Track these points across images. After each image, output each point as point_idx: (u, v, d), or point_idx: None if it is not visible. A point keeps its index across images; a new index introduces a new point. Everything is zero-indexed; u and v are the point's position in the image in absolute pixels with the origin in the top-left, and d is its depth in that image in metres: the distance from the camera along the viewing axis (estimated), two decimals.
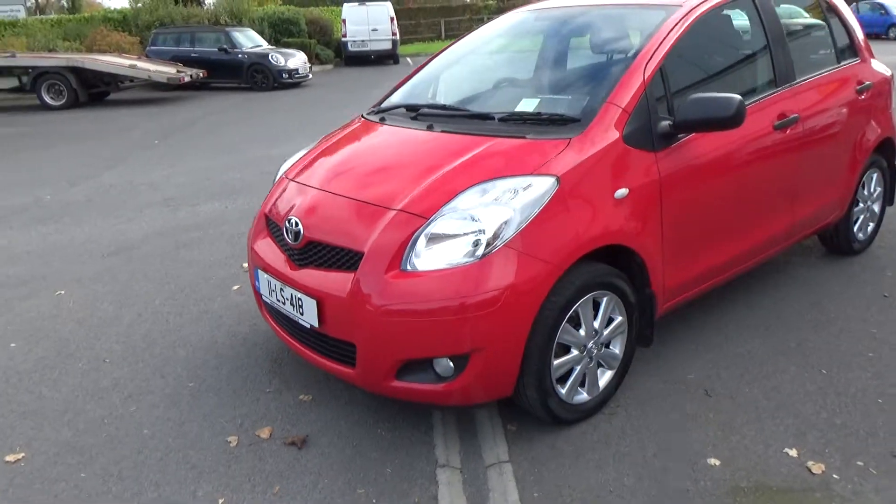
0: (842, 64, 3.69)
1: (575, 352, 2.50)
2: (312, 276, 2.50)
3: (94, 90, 14.21)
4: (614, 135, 2.52)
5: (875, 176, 4.01)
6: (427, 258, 2.27)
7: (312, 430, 2.66)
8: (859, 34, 3.90)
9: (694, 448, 2.44)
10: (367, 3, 22.22)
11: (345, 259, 2.42)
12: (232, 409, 2.82)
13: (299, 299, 2.52)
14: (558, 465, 2.39)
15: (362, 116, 3.32)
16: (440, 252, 2.27)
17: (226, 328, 3.54)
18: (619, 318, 2.63)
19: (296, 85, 16.52)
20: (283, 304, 2.63)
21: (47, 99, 13.67)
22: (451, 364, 2.29)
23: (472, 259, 2.24)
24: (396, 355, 2.31)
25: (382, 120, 3.14)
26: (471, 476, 2.36)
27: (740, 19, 3.26)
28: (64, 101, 13.67)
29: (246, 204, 5.98)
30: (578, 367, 2.53)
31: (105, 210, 6.01)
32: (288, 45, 19.65)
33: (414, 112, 3.04)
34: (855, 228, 4.02)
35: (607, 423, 2.61)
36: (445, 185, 2.43)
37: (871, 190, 4.04)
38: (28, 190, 6.82)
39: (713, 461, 2.37)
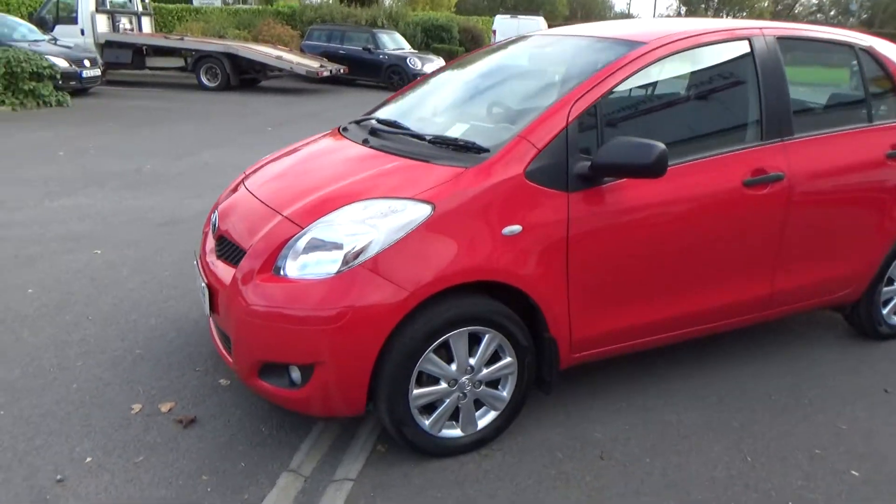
0: (875, 123, 3.24)
1: (443, 384, 2.44)
2: (215, 266, 2.65)
3: (245, 76, 15.55)
4: (515, 170, 2.42)
5: None
6: (293, 266, 2.33)
7: (207, 413, 2.80)
8: None
9: None
10: (519, 17, 22.41)
11: (235, 255, 2.54)
12: (156, 380, 3.04)
13: (203, 286, 2.68)
14: (397, 495, 2.34)
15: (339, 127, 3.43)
16: (304, 262, 2.32)
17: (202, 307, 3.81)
18: (507, 359, 2.52)
19: None
20: (201, 289, 2.81)
21: (204, 80, 15.17)
22: (299, 372, 2.34)
23: (328, 274, 2.27)
24: (257, 355, 2.39)
25: (344, 130, 3.23)
26: (311, 486, 2.39)
27: (724, 62, 2.97)
28: (217, 83, 15.10)
29: None
30: (448, 401, 2.47)
31: (185, 184, 6.61)
32: (437, 51, 20.31)
33: (368, 126, 3.09)
34: (885, 311, 3.51)
35: (475, 464, 2.51)
36: (336, 198, 2.47)
37: None
38: (138, 159, 7.64)
39: None
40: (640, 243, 2.64)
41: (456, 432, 2.54)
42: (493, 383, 2.56)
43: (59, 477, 2.39)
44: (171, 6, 21.22)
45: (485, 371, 2.50)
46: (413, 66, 16.71)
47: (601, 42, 2.96)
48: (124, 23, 16.22)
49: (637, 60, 2.67)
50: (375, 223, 2.31)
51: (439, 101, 3.32)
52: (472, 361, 2.45)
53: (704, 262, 2.82)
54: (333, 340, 2.24)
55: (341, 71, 16.16)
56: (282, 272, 2.34)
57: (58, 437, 2.61)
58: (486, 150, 2.51)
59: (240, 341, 2.43)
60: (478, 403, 2.57)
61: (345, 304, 2.23)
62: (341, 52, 17.60)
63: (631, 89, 2.74)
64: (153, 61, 15.97)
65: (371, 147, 2.82)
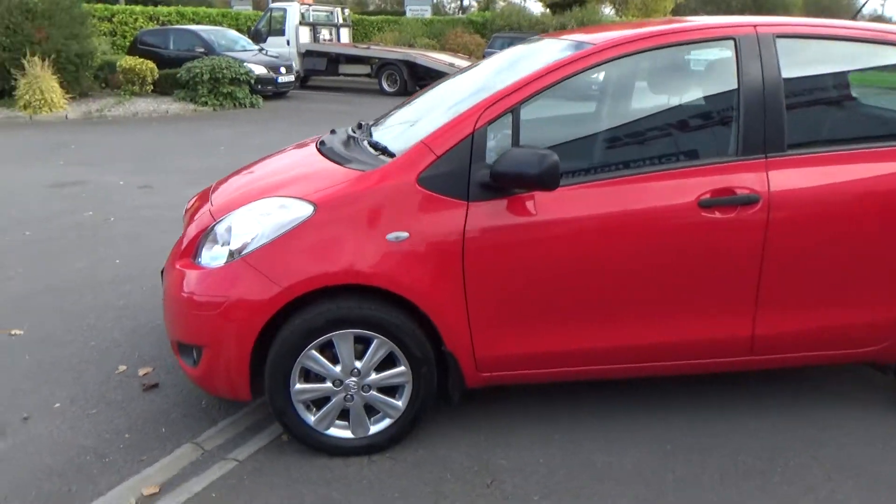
0: None
1: (328, 383, 2.47)
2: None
3: (422, 82, 16.38)
4: (409, 176, 2.37)
5: None
6: (206, 255, 2.52)
7: (170, 382, 3.11)
8: None
9: None
10: None
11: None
12: (154, 347, 3.43)
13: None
14: (266, 482, 2.42)
15: None
16: (209, 252, 2.50)
17: None
18: (401, 368, 2.48)
19: None
20: None
21: (385, 85, 16.28)
22: (195, 353, 2.52)
23: (218, 264, 2.43)
24: (173, 334, 2.63)
25: (333, 132, 3.36)
26: (202, 459, 2.55)
27: (695, 65, 2.59)
28: (396, 88, 16.12)
29: None
30: (334, 400, 2.49)
31: None
32: None
33: (348, 133, 3.16)
34: None
35: (358, 468, 2.50)
36: (249, 195, 2.62)
37: None
38: (233, 157, 8.14)
39: None
40: (557, 263, 2.44)
41: (346, 434, 2.55)
42: (389, 391, 2.53)
43: (25, 415, 2.83)
44: (372, 17, 22.98)
45: (374, 376, 2.48)
46: None
47: (560, 44, 2.76)
48: (324, 34, 17.94)
49: (571, 65, 2.46)
50: (262, 220, 2.42)
51: (423, 110, 3.30)
52: (359, 365, 2.46)
53: (647, 290, 2.51)
54: (214, 326, 2.39)
55: None
56: (196, 260, 2.54)
57: (50, 383, 3.07)
58: (393, 155, 2.50)
59: (164, 319, 2.69)
60: (374, 409, 2.56)
61: (224, 294, 2.37)
62: None
63: (568, 94, 2.54)
64: (345, 68, 17.47)
65: (319, 151, 2.92)
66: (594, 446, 2.64)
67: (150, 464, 2.53)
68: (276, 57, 15.31)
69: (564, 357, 2.56)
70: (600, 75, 2.78)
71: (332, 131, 3.34)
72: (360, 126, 3.16)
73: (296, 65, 16.05)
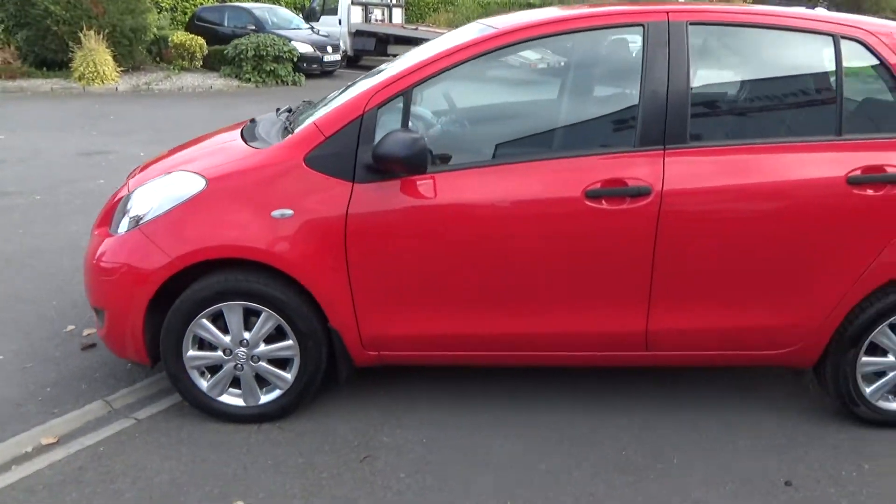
0: (846, 136, 2.47)
1: (219, 352, 2.57)
2: None
3: None
4: (298, 155, 2.43)
5: None
6: (121, 225, 2.65)
7: None
8: None
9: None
10: None
11: None
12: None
13: None
14: (151, 441, 2.56)
15: None
16: (118, 221, 2.63)
17: None
18: (288, 341, 2.56)
19: None
20: None
21: None
22: (99, 316, 2.67)
23: (120, 233, 2.55)
24: (87, 296, 2.78)
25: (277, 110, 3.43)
26: (107, 416, 2.71)
27: (599, 52, 2.52)
28: None
29: None
30: (225, 368, 2.60)
31: None
32: None
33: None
34: (869, 389, 2.68)
35: (245, 435, 2.61)
36: (162, 170, 2.73)
37: None
38: None
39: None
40: (442, 247, 2.45)
41: (238, 402, 2.66)
42: (279, 363, 2.62)
43: None
44: None
45: (263, 348, 2.57)
46: None
47: (473, 28, 2.74)
48: (376, 14, 18.06)
49: (464, 51, 2.45)
50: (159, 193, 2.53)
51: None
52: (248, 336, 2.55)
53: (533, 279, 2.49)
54: (112, 292, 2.53)
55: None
56: (112, 229, 2.68)
57: (1, 337, 3.31)
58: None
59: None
60: (266, 380, 2.65)
61: (120, 262, 2.50)
62: None
63: (468, 78, 2.52)
64: (394, 49, 17.50)
65: (242, 134, 2.99)
66: (480, 432, 2.66)
67: (60, 416, 2.70)
68: (326, 36, 15.53)
69: (452, 341, 2.58)
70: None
71: (277, 110, 3.42)
72: (290, 109, 3.22)
73: (345, 44, 16.24)
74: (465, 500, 2.30)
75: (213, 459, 2.47)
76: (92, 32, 11.67)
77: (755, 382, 3.04)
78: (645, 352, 2.62)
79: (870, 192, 2.43)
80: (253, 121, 3.10)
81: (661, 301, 2.52)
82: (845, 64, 2.51)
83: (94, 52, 11.73)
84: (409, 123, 2.44)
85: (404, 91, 2.43)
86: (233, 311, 2.52)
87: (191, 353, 2.57)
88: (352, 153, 2.42)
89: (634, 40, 2.51)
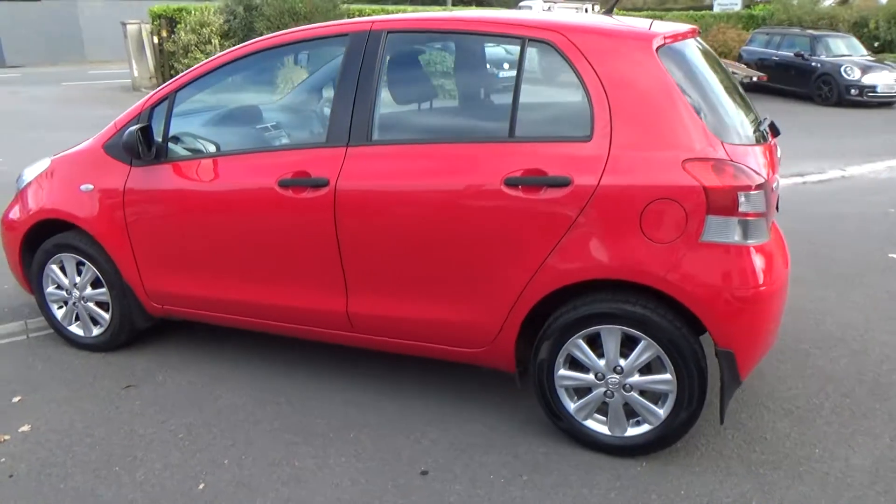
0: (517, 138, 2.45)
1: (62, 291, 3.40)
2: None
3: None
4: (99, 144, 3.14)
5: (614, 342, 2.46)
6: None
7: None
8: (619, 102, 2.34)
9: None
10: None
11: None
12: None
13: None
14: (24, 349, 3.46)
15: None
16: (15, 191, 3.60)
17: None
18: (103, 288, 3.29)
19: (870, 104, 13.89)
20: None
21: None
22: None
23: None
24: None
25: None
26: (22, 328, 3.69)
27: (316, 61, 2.79)
28: None
29: None
30: (70, 308, 3.40)
31: None
32: None
33: None
34: (573, 406, 2.58)
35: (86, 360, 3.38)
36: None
37: (611, 363, 2.47)
38: None
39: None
40: (181, 221, 2.98)
41: (84, 332, 3.44)
42: (105, 306, 3.36)
43: None
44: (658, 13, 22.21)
45: (87, 292, 3.33)
46: (848, 75, 13.88)
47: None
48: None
49: (219, 59, 2.95)
50: (34, 169, 3.43)
51: None
52: (78, 280, 3.34)
53: (250, 254, 2.89)
54: (4, 237, 3.49)
55: (753, 79, 14.69)
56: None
57: None
58: None
59: None
60: (94, 321, 3.40)
61: (7, 214, 3.45)
62: (775, 58, 15.82)
63: (217, 83, 3.00)
64: None
65: None
66: (220, 385, 3.11)
67: None
68: None
69: (206, 303, 3.07)
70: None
71: None
72: None
73: None
74: (178, 421, 2.80)
75: (40, 369, 3.29)
76: None
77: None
78: (352, 332, 2.85)
79: (528, 194, 2.40)
80: None
81: (355, 285, 2.75)
82: (532, 67, 2.50)
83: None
84: (172, 121, 3.01)
85: (169, 94, 3.02)
86: (67, 262, 3.32)
87: (49, 289, 3.43)
88: None
89: (340, 49, 2.77)
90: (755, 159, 2.45)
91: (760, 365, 3.24)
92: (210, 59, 3.00)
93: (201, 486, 2.43)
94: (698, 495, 2.38)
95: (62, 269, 3.37)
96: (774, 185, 2.50)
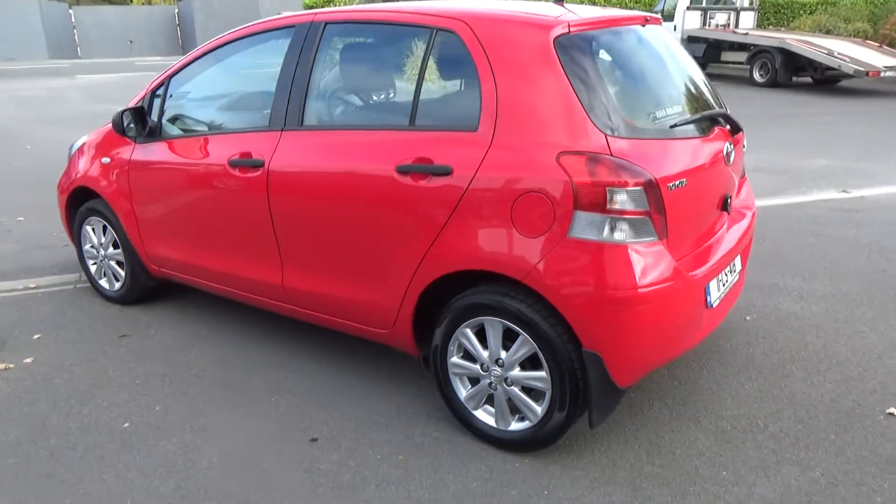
0: (417, 126, 2.49)
1: (94, 251, 3.94)
2: None
3: (802, 74, 14.35)
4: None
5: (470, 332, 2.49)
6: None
7: None
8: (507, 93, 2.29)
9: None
10: None
11: None
12: None
13: None
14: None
15: None
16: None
17: None
18: (119, 249, 3.78)
19: None
20: None
21: (756, 75, 14.84)
22: None
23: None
24: None
25: None
26: (48, 284, 4.33)
27: (269, 50, 2.97)
28: (766, 79, 14.54)
29: None
30: (99, 265, 3.95)
31: None
32: None
33: None
34: (463, 394, 2.60)
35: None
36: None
37: (492, 355, 2.47)
38: None
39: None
40: (165, 193, 3.35)
41: (107, 287, 3.97)
42: (120, 264, 3.85)
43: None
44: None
45: (109, 251, 3.84)
46: None
47: None
48: (718, 18, 17.04)
49: (204, 48, 3.26)
50: (78, 142, 3.99)
51: None
52: (102, 241, 3.86)
53: (209, 227, 3.19)
54: (60, 195, 4.09)
55: None
56: None
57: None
58: None
59: None
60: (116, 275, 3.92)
61: (60, 181, 4.05)
62: None
63: (201, 66, 3.32)
64: (726, 55, 16.37)
65: None
66: (195, 348, 3.45)
67: (30, 277, 4.41)
68: None
69: (198, 271, 3.39)
70: None
71: None
72: None
73: None
74: (145, 369, 3.19)
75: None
76: None
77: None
78: (288, 304, 3.06)
79: (416, 182, 2.45)
80: None
81: (287, 260, 2.95)
82: (438, 55, 2.53)
83: None
84: (165, 104, 3.38)
85: (165, 80, 3.39)
86: (96, 225, 3.85)
87: (86, 247, 4.00)
88: None
89: (286, 41, 2.95)
90: (666, 154, 2.31)
91: (716, 379, 3.02)
92: (193, 49, 3.33)
93: (126, 425, 2.77)
94: (560, 498, 2.31)
95: (93, 230, 3.91)
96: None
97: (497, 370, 2.47)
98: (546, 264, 2.23)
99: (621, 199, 2.16)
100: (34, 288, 4.22)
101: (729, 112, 2.82)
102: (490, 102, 2.34)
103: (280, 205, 2.86)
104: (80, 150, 3.89)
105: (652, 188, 2.19)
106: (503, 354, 2.44)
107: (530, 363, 2.41)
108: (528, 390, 2.46)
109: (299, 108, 2.82)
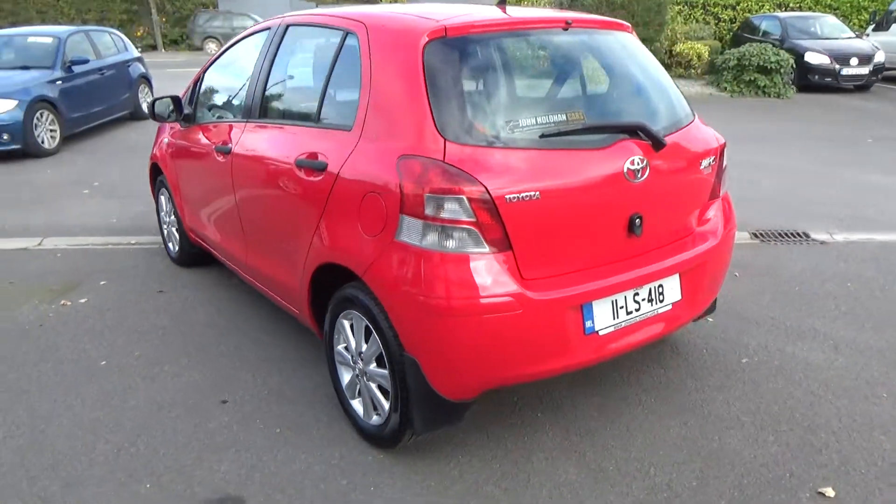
0: (321, 124, 2.65)
1: (164, 216, 4.63)
2: None
3: None
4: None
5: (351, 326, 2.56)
6: None
7: None
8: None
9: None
10: None
11: None
12: None
13: None
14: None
15: None
16: None
17: None
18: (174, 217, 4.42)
19: None
20: None
21: None
22: None
23: None
24: None
25: None
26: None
27: (253, 50, 3.26)
28: None
29: None
30: (166, 229, 4.63)
31: None
32: None
33: None
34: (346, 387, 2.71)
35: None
36: None
37: (357, 347, 2.55)
38: None
39: None
40: (189, 171, 3.86)
41: (171, 248, 4.65)
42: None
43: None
44: None
45: (170, 218, 4.50)
46: None
47: None
48: None
49: (236, 41, 3.70)
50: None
51: None
52: (165, 209, 4.52)
53: (211, 205, 3.62)
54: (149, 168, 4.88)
55: None
56: None
57: None
58: None
59: None
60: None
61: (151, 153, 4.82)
62: None
63: (222, 64, 3.74)
64: None
65: None
66: (226, 321, 3.92)
67: (138, 235, 5.24)
68: (858, 49, 13.35)
69: (225, 253, 3.79)
70: None
71: None
72: None
73: (883, 56, 13.53)
74: (153, 321, 3.76)
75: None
76: None
77: None
78: (253, 280, 3.38)
79: (306, 176, 2.62)
80: None
81: (247, 238, 3.27)
82: (343, 57, 2.66)
83: None
84: (198, 95, 3.87)
85: (200, 76, 3.89)
86: (164, 195, 4.53)
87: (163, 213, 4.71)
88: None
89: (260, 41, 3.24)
90: (512, 165, 2.19)
91: (646, 417, 2.77)
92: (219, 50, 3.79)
93: (103, 363, 3.30)
94: (385, 497, 2.33)
95: (164, 198, 4.60)
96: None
97: (360, 363, 2.55)
98: (378, 264, 2.27)
99: (448, 207, 2.12)
100: (132, 244, 5.05)
101: (687, 124, 2.56)
102: (364, 103, 2.42)
103: (238, 188, 3.19)
104: (161, 127, 4.59)
105: (481, 198, 2.11)
106: (364, 348, 2.51)
107: (383, 360, 2.45)
108: (384, 388, 2.50)
109: (259, 102, 3.12)
